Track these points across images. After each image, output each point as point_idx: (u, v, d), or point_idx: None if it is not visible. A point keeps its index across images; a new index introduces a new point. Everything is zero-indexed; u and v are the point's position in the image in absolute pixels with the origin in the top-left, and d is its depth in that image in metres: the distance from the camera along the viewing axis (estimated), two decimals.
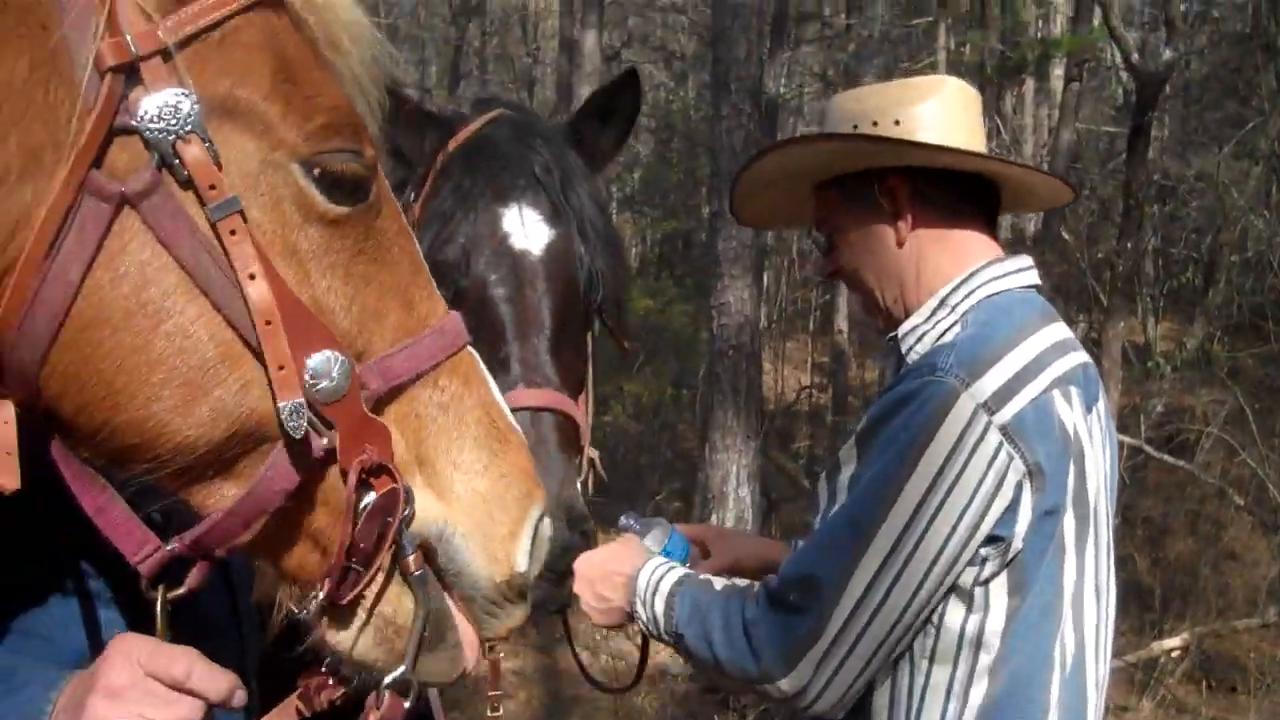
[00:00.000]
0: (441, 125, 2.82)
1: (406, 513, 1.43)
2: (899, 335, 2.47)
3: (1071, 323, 21.74)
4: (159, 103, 1.28)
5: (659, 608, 2.42)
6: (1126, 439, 13.16)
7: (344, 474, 1.39)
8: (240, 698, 1.41)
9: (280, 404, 1.33)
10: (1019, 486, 2.22)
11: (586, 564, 2.55)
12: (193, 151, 1.29)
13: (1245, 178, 18.35)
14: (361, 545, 1.41)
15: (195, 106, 1.29)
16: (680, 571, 2.50)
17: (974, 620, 2.25)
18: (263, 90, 1.36)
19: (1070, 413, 2.30)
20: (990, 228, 2.54)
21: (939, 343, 2.37)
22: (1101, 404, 2.44)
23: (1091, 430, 2.36)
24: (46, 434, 1.39)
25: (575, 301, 2.73)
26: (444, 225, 2.63)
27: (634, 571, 2.50)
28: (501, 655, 2.19)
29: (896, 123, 2.42)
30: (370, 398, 1.41)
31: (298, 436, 1.34)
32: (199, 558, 1.43)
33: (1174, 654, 9.66)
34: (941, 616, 2.27)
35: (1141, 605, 11.23)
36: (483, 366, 1.57)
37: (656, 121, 23.56)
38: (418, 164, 2.77)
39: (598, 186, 2.92)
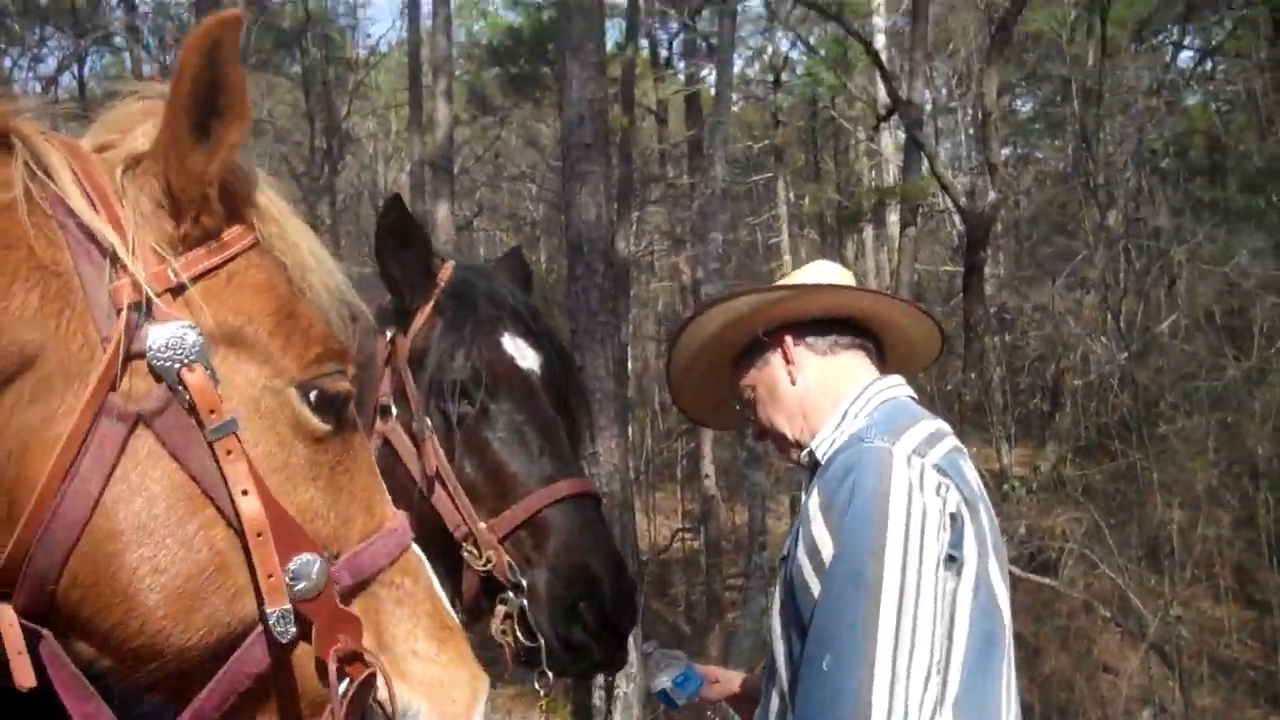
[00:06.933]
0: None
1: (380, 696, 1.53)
2: (813, 447, 2.64)
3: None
4: (167, 334, 1.39)
5: None
6: None
7: (322, 664, 1.49)
8: None
9: (268, 610, 1.43)
10: (957, 514, 2.35)
11: None
12: (195, 378, 1.40)
13: (1079, 306, 19.16)
14: None
15: (199, 338, 1.40)
16: None
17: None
18: (268, 326, 1.50)
19: (971, 470, 2.52)
20: (871, 359, 2.80)
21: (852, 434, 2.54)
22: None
23: (982, 491, 2.55)
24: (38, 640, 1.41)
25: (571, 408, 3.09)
26: (451, 351, 2.89)
27: None
28: None
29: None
30: (342, 593, 1.52)
31: (285, 641, 1.44)
32: None
33: None
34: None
35: None
36: (426, 563, 1.70)
37: None
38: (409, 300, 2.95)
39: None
